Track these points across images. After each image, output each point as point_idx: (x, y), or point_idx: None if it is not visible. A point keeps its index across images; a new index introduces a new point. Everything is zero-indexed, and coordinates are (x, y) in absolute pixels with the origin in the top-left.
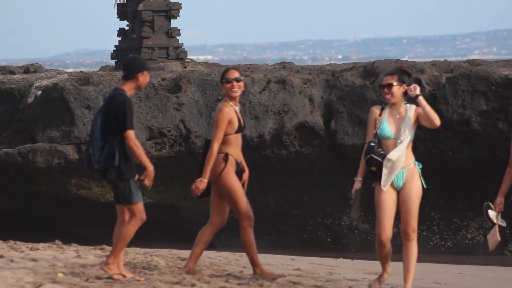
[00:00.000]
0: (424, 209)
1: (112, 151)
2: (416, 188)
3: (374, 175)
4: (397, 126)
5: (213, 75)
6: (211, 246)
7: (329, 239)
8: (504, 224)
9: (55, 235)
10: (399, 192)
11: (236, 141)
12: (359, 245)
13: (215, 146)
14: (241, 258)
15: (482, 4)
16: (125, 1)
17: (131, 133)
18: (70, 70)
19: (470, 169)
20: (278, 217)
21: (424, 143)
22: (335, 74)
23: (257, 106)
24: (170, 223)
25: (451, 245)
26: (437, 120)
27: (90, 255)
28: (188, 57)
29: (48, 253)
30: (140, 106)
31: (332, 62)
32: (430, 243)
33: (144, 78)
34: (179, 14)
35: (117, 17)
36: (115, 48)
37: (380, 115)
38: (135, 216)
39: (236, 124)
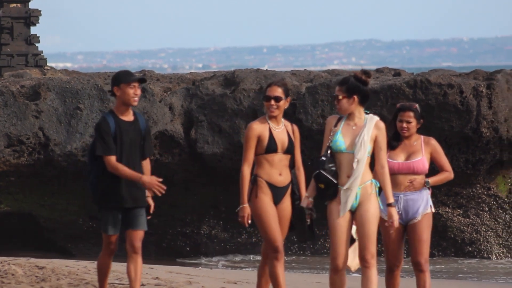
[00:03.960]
0: None
1: (93, 177)
2: (373, 209)
3: (323, 193)
4: (352, 139)
5: (72, 83)
6: (70, 255)
7: (188, 248)
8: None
9: None
10: (354, 213)
11: (269, 162)
12: (218, 254)
13: (244, 167)
14: None
15: (340, 14)
16: None
17: (107, 159)
18: None
19: None
20: None
21: None
22: (195, 82)
23: None
24: (28, 231)
25: (309, 254)
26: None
27: None
28: (47, 64)
29: None
30: None
31: (193, 71)
32: (289, 252)
33: (122, 92)
34: (39, 21)
35: None
36: None
37: (335, 125)
38: (104, 246)
39: (264, 143)
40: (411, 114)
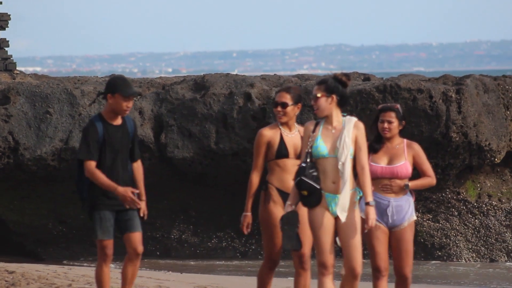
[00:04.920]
0: (254, 222)
1: (81, 181)
2: (356, 217)
3: (306, 200)
4: (333, 143)
5: (42, 87)
6: (39, 259)
7: (158, 252)
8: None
9: None
10: (336, 220)
11: (281, 167)
12: (188, 258)
13: (252, 174)
14: (70, 272)
15: (311, 19)
16: None
17: (86, 164)
18: None
19: None
20: None
21: None
22: (165, 87)
23: (86, 118)
24: None
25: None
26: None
27: None
28: (17, 68)
29: None
30: None
31: (162, 75)
32: (259, 256)
33: (115, 102)
34: (8, 25)
35: None
36: None
37: (314, 131)
38: (99, 253)
39: (275, 148)
40: (393, 114)
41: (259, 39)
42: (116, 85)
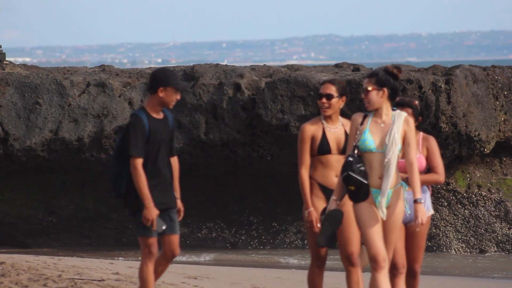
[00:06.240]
0: (243, 213)
1: (124, 178)
2: (400, 214)
3: (353, 195)
4: (382, 137)
5: (31, 78)
6: (29, 250)
7: None
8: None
9: None
10: None
11: (323, 163)
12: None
13: (301, 171)
14: (59, 262)
15: (299, 10)
16: None
17: (134, 160)
18: None
19: (289, 173)
20: (97, 220)
21: (244, 147)
22: None
23: (76, 109)
24: None
25: (269, 248)
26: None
27: None
28: (6, 59)
29: None
30: None
31: (152, 66)
32: (249, 247)
33: (166, 95)
34: None
35: None
36: None
37: (361, 124)
38: (144, 251)
39: (317, 144)
40: (409, 110)
41: (248, 29)
42: (168, 78)
